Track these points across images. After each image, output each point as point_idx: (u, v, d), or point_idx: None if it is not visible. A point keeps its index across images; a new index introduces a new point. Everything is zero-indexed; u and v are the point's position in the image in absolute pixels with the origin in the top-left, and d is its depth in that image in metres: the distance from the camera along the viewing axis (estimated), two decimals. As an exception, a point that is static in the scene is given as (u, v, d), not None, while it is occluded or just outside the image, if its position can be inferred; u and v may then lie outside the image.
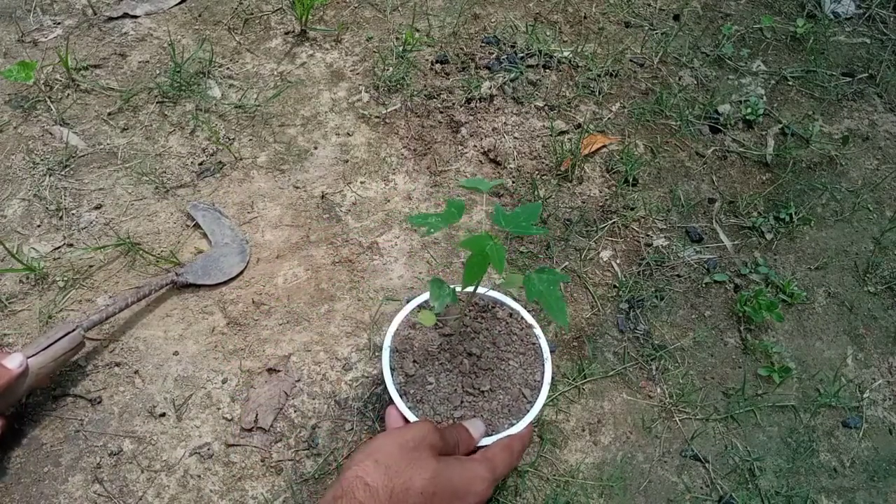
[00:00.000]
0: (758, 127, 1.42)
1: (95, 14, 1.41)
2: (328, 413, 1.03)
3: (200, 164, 1.24)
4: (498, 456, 0.85)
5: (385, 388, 0.94)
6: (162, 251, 1.14)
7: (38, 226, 1.15)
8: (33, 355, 0.92)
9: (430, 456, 0.79)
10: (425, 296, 1.00)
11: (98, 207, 1.17)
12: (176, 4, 1.45)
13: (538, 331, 1.00)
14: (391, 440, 0.80)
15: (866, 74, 1.52)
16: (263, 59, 1.39)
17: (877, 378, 1.15)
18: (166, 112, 1.29)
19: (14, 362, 0.89)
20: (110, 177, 1.21)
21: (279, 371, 1.05)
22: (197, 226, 1.16)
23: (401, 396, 0.93)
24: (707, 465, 1.04)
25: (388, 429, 0.88)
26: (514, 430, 0.92)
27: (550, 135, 1.34)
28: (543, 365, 0.97)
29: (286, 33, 1.44)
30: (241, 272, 1.12)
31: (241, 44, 1.41)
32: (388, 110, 1.35)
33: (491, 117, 1.35)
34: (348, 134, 1.31)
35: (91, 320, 0.97)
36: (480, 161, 1.30)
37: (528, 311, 1.02)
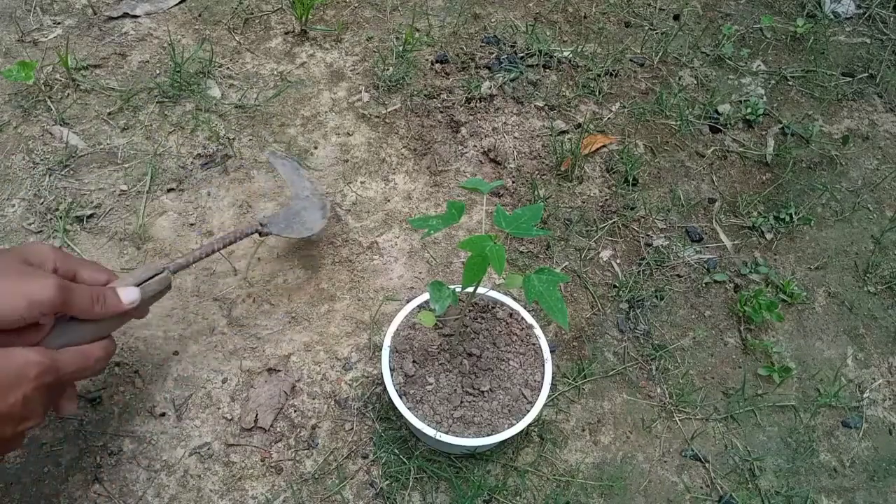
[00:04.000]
0: (758, 127, 1.42)
1: (95, 14, 1.41)
2: (328, 413, 1.03)
3: (207, 154, 1.24)
4: (68, 353, 0.80)
5: (385, 387, 0.94)
6: (163, 250, 1.14)
7: (38, 226, 1.15)
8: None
9: None
10: (425, 296, 1.00)
11: (98, 207, 1.17)
12: (176, 4, 1.45)
13: (538, 331, 1.00)
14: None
15: (866, 74, 1.52)
16: (263, 58, 1.39)
17: (877, 378, 1.15)
18: (166, 112, 1.29)
19: (129, 296, 0.85)
20: (110, 177, 1.21)
21: (279, 371, 1.05)
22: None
23: (400, 397, 0.93)
24: (707, 465, 1.04)
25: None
26: (513, 431, 0.92)
27: (550, 135, 1.34)
28: (543, 365, 0.97)
29: (286, 33, 1.44)
30: (323, 228, 1.10)
31: (241, 44, 1.41)
32: (388, 110, 1.35)
33: (491, 117, 1.35)
34: (348, 134, 1.31)
35: (177, 263, 0.94)
36: (480, 161, 1.30)
37: (528, 311, 1.02)
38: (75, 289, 0.80)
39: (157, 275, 0.91)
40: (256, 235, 1.05)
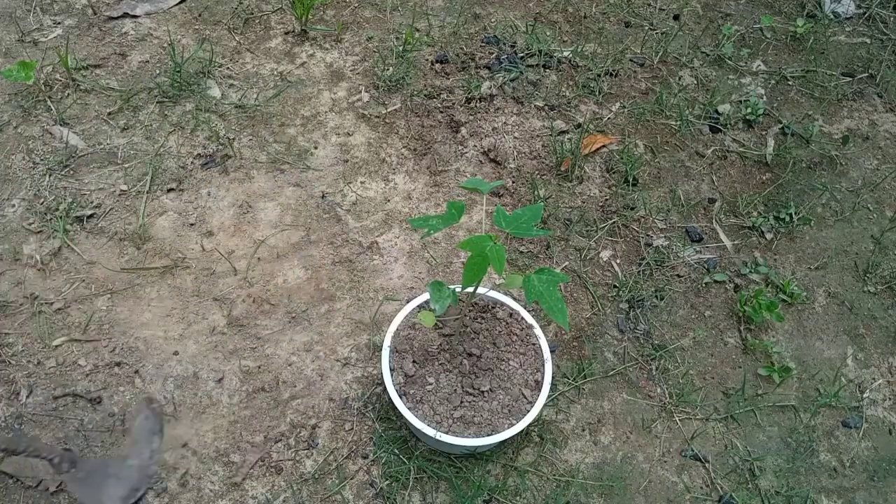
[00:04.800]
0: (758, 127, 1.42)
1: (95, 14, 1.41)
2: (328, 413, 1.03)
3: (207, 154, 1.24)
4: None
5: (385, 387, 0.94)
6: (165, 249, 1.14)
7: (39, 225, 1.14)
8: None
9: None
10: (425, 296, 1.00)
11: (98, 207, 1.17)
12: (176, 4, 1.45)
13: (538, 331, 1.00)
14: None
15: (866, 74, 1.52)
16: (263, 58, 1.39)
17: (877, 378, 1.15)
18: (166, 112, 1.29)
19: None
20: (110, 177, 1.21)
21: (279, 370, 1.05)
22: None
23: (400, 397, 0.93)
24: (707, 465, 1.04)
25: None
26: (513, 431, 0.91)
27: (550, 135, 1.34)
28: (543, 365, 0.97)
29: (286, 33, 1.43)
30: None
31: (241, 44, 1.41)
32: (388, 110, 1.35)
33: (491, 117, 1.35)
34: (348, 134, 1.31)
35: None
36: (480, 161, 1.30)
37: (528, 311, 1.02)
38: None
39: None
40: (49, 464, 0.87)
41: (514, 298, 1.04)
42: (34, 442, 0.86)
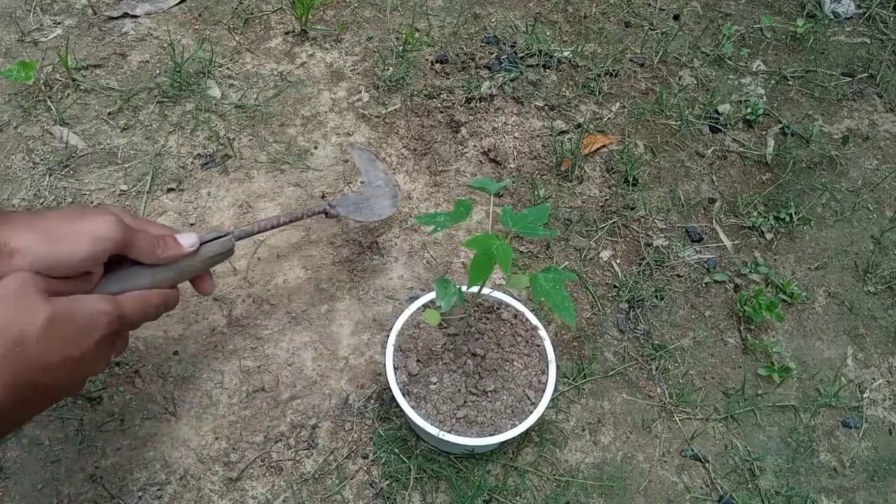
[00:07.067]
0: (758, 127, 1.42)
1: (95, 14, 1.41)
2: (328, 413, 1.03)
3: (207, 154, 1.24)
4: (131, 299, 0.79)
5: (387, 386, 0.94)
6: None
7: (38, 226, 1.14)
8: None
9: (43, 300, 0.69)
10: (429, 295, 1.00)
11: (97, 207, 1.17)
12: (176, 4, 1.45)
13: (543, 332, 1.00)
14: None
15: (866, 74, 1.52)
16: (263, 58, 1.39)
17: (877, 378, 1.15)
18: (166, 112, 1.29)
19: (188, 241, 0.85)
20: (110, 177, 1.21)
21: (279, 370, 1.05)
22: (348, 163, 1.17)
23: (404, 395, 0.93)
24: (707, 465, 1.04)
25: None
26: (517, 432, 0.91)
27: (550, 135, 1.34)
28: (548, 367, 0.97)
29: (286, 33, 1.43)
30: (391, 216, 1.11)
31: (241, 44, 1.41)
32: (388, 110, 1.35)
33: (491, 117, 1.35)
34: (348, 134, 1.31)
35: (243, 230, 0.94)
36: (480, 161, 1.30)
37: (533, 313, 1.02)
38: (138, 230, 0.80)
39: (220, 237, 0.90)
40: (323, 216, 1.06)
41: (518, 300, 1.04)
42: (305, 208, 1.03)
